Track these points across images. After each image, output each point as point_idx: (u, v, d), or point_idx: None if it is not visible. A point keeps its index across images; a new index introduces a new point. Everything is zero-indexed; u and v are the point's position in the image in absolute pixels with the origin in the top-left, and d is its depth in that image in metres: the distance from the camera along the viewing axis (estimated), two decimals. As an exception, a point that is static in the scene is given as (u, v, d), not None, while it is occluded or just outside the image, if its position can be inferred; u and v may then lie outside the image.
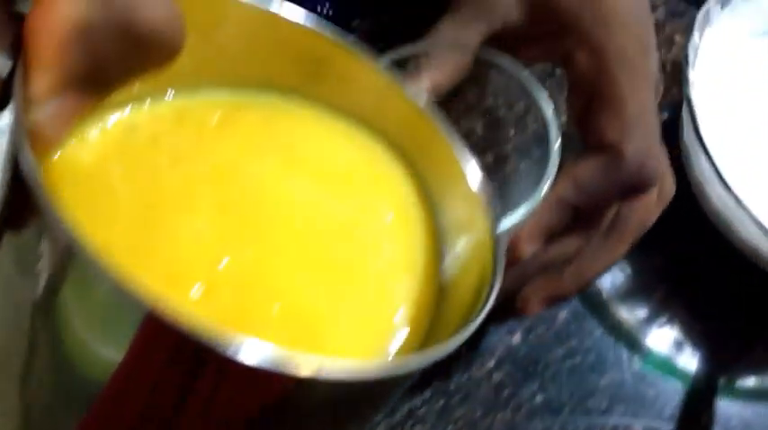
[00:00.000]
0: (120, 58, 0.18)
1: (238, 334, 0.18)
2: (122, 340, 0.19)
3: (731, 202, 0.42)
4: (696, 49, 0.45)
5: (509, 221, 0.33)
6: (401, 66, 0.36)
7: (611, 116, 0.34)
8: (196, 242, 0.25)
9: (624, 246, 0.38)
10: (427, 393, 0.44)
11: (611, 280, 0.50)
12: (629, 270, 0.51)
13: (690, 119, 0.43)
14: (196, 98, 0.29)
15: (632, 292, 0.50)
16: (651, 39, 0.36)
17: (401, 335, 0.26)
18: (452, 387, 0.44)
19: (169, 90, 0.28)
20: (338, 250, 0.28)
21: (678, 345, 0.49)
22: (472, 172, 0.28)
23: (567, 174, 0.34)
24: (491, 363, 0.45)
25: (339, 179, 0.29)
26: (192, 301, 0.24)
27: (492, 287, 0.25)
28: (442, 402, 0.44)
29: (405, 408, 0.44)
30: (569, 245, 0.36)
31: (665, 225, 0.47)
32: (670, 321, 0.50)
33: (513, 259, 0.35)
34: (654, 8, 0.58)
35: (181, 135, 0.28)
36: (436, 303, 0.28)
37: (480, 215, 0.27)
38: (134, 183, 0.26)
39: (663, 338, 0.49)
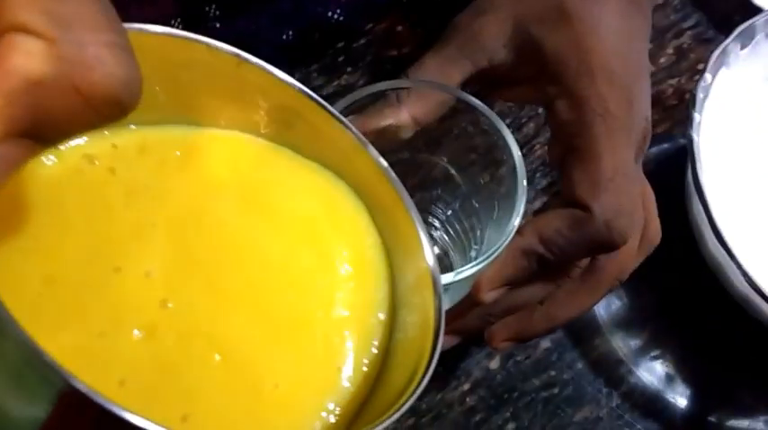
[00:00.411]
0: (70, 114, 0.17)
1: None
2: (38, 410, 0.19)
3: (722, 252, 0.41)
4: (708, 89, 0.44)
5: (471, 270, 0.32)
6: (382, 97, 0.36)
7: (584, 172, 0.33)
8: (144, 282, 0.25)
9: (598, 296, 0.38)
10: (399, 410, 0.45)
11: (606, 307, 0.50)
12: (625, 299, 0.50)
13: (691, 161, 0.42)
14: (160, 131, 0.28)
15: (625, 323, 0.49)
16: (640, 90, 0.35)
17: (344, 393, 0.26)
18: (424, 406, 0.45)
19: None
20: (289, 300, 0.27)
21: (668, 380, 0.48)
22: (426, 246, 0.28)
23: (534, 226, 0.34)
24: (466, 386, 0.46)
25: (299, 226, 0.29)
26: (132, 343, 0.24)
27: (426, 372, 0.25)
28: (411, 421, 0.45)
29: (375, 423, 0.44)
30: (536, 291, 0.36)
31: (664, 261, 0.46)
32: (662, 356, 0.49)
33: (474, 303, 0.35)
34: (680, 34, 0.56)
35: (140, 168, 0.27)
36: (382, 363, 0.28)
37: (429, 293, 0.27)
38: (87, 214, 0.26)
39: (652, 372, 0.48)
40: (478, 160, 0.37)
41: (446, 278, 0.32)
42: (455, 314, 0.37)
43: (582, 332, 0.48)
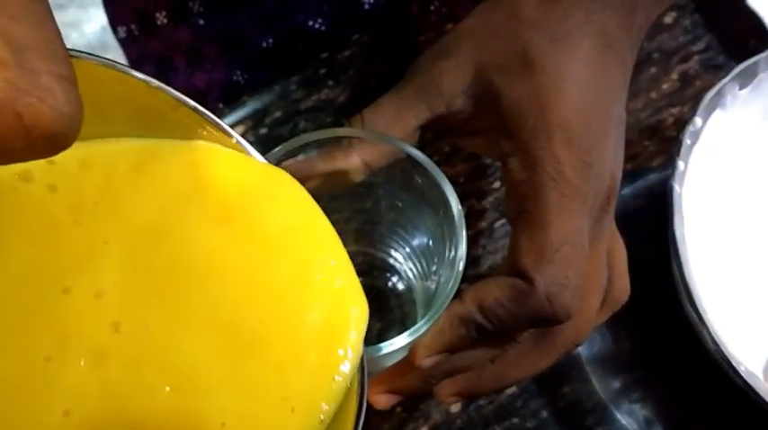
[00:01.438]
0: (2, 140, 0.16)
1: None
2: None
3: (695, 314, 0.38)
4: (697, 135, 0.41)
5: (403, 342, 0.31)
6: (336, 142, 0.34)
7: (530, 240, 0.31)
8: (94, 303, 0.23)
9: (551, 359, 0.36)
10: (351, 449, 0.43)
11: (588, 348, 0.47)
12: (609, 340, 0.48)
13: (670, 214, 0.39)
14: (101, 144, 0.26)
15: (603, 366, 0.47)
16: (604, 150, 0.33)
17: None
18: (378, 447, 0.44)
19: None
20: (250, 322, 0.25)
21: (647, 424, 0.46)
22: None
23: (475, 294, 0.32)
24: (423, 429, 0.44)
25: (269, 238, 0.26)
26: (79, 370, 0.22)
27: None
28: (364, 461, 0.43)
29: (326, 461, 0.43)
30: (479, 355, 0.34)
31: (652, 304, 0.44)
32: (643, 399, 0.47)
33: (412, 367, 0.33)
34: (687, 58, 0.53)
35: (86, 184, 0.25)
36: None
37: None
38: (27, 234, 0.24)
39: (632, 417, 0.46)
40: (429, 208, 0.34)
41: (374, 350, 0.30)
42: (396, 373, 0.35)
43: (551, 378, 0.45)
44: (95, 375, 0.23)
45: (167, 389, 0.23)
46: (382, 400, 0.35)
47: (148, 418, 0.23)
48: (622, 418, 0.46)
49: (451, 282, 0.31)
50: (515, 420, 0.45)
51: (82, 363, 0.23)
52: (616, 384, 0.46)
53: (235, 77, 0.53)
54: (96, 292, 0.24)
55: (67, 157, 0.24)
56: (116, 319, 0.23)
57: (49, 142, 0.16)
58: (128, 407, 0.23)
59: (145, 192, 0.26)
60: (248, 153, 0.27)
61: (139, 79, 0.25)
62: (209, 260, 0.26)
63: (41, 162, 0.24)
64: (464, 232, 0.31)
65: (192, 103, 0.26)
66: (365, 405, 0.25)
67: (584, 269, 0.31)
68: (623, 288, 0.37)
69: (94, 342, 0.23)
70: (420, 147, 0.35)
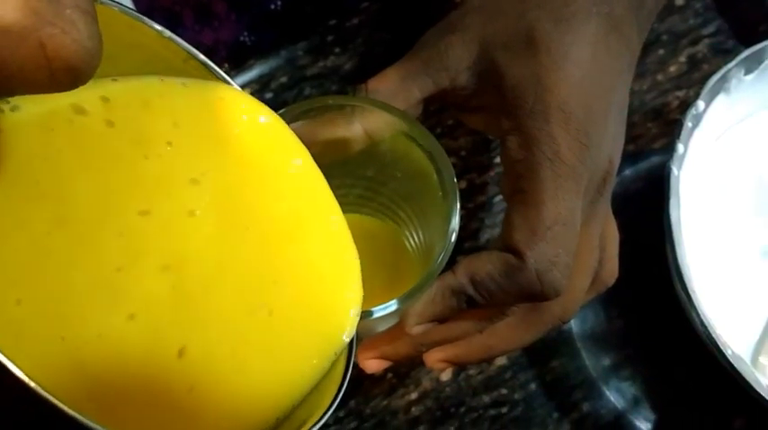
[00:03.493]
0: (24, 70, 0.16)
1: None
2: None
3: (685, 296, 0.39)
4: (699, 118, 0.41)
5: (394, 307, 0.31)
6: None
7: (524, 218, 0.31)
8: (186, 223, 0.25)
9: (538, 334, 0.36)
10: (342, 412, 0.44)
11: (580, 323, 0.48)
12: (601, 317, 0.48)
13: (666, 196, 0.40)
14: (160, 83, 0.26)
15: (599, 340, 0.48)
16: (603, 133, 0.33)
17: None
18: (368, 411, 0.45)
19: None
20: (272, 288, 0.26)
21: (635, 402, 0.47)
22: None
23: (467, 266, 0.32)
24: (413, 395, 0.45)
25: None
26: (151, 277, 0.23)
27: (331, 404, 0.25)
28: (353, 424, 0.44)
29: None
30: (468, 326, 0.35)
31: (648, 284, 0.44)
32: (632, 377, 0.48)
33: (403, 333, 0.34)
34: (697, 41, 0.53)
35: (148, 123, 0.25)
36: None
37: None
38: (90, 163, 0.23)
39: (619, 394, 0.47)
40: (427, 180, 0.35)
41: (366, 314, 0.31)
42: (386, 339, 0.36)
43: (541, 352, 0.46)
44: (167, 280, 0.23)
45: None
46: (373, 365, 0.36)
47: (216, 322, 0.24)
48: (610, 395, 0.47)
49: (443, 253, 0.32)
50: (504, 391, 0.45)
51: (154, 272, 0.23)
52: (606, 361, 0.47)
53: (242, 38, 0.53)
54: (189, 211, 0.25)
55: (125, 96, 0.25)
56: (212, 232, 0.24)
57: (70, 74, 0.16)
58: (197, 309, 0.24)
59: (213, 139, 0.26)
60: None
61: (152, 28, 0.25)
62: (238, 207, 0.27)
63: (94, 97, 0.24)
64: (458, 205, 0.32)
65: (203, 56, 0.27)
66: (352, 363, 0.27)
67: (574, 249, 0.32)
68: (611, 271, 0.38)
69: (174, 254, 0.24)
70: (423, 119, 0.35)
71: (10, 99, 0.22)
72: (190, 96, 0.27)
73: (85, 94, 0.24)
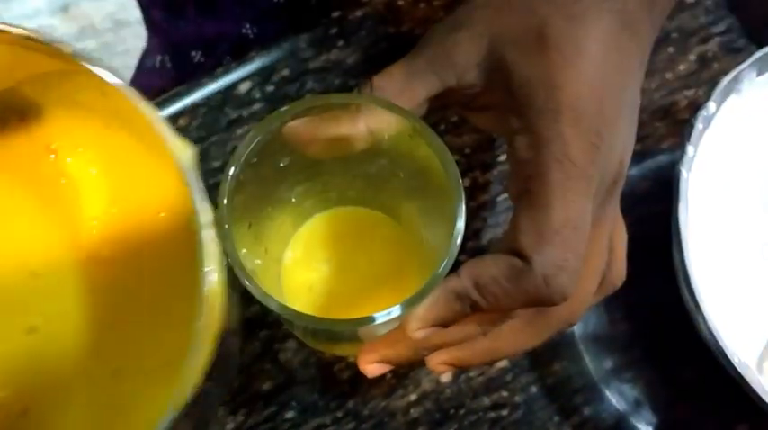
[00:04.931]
0: None
1: None
2: None
3: (692, 301, 0.38)
4: (709, 120, 0.40)
5: (397, 312, 0.31)
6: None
7: (531, 220, 0.31)
8: None
9: (543, 338, 0.35)
10: (340, 412, 0.44)
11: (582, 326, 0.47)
12: (604, 320, 0.48)
13: (675, 199, 0.39)
14: None
15: (602, 342, 0.47)
16: (615, 134, 0.32)
17: None
18: (366, 412, 0.44)
19: None
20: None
21: (636, 406, 0.46)
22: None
23: (471, 270, 0.31)
24: (412, 397, 0.44)
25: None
26: None
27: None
28: (351, 425, 0.44)
29: (314, 423, 0.43)
30: (472, 330, 0.34)
31: (655, 286, 0.43)
32: (634, 380, 0.47)
33: (404, 337, 0.33)
34: (707, 39, 0.52)
35: None
36: None
37: None
38: None
39: (621, 397, 0.46)
40: (430, 180, 0.34)
41: (368, 320, 0.30)
42: (387, 342, 0.35)
43: (543, 354, 0.45)
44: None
45: None
46: (374, 370, 0.35)
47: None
48: (612, 397, 0.46)
49: (448, 256, 0.31)
50: (504, 393, 0.45)
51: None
52: (608, 364, 0.46)
53: (244, 30, 0.52)
54: None
55: None
56: None
57: None
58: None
59: None
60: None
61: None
62: None
63: None
64: (463, 207, 0.31)
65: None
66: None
67: (583, 252, 0.31)
68: (619, 273, 0.37)
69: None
70: (427, 115, 0.34)
71: None
72: None
73: None
